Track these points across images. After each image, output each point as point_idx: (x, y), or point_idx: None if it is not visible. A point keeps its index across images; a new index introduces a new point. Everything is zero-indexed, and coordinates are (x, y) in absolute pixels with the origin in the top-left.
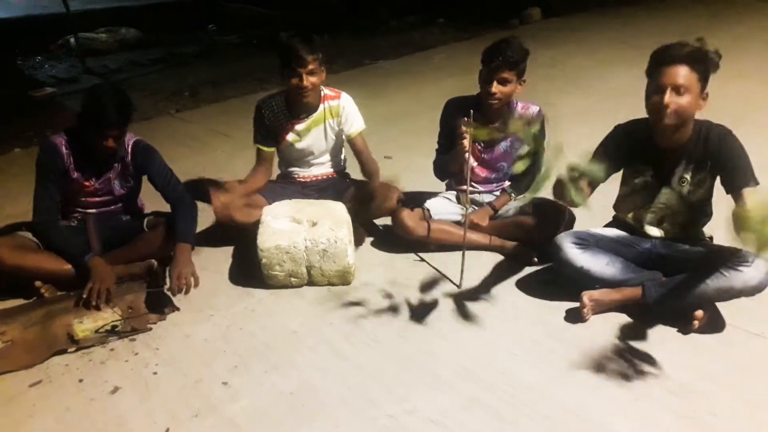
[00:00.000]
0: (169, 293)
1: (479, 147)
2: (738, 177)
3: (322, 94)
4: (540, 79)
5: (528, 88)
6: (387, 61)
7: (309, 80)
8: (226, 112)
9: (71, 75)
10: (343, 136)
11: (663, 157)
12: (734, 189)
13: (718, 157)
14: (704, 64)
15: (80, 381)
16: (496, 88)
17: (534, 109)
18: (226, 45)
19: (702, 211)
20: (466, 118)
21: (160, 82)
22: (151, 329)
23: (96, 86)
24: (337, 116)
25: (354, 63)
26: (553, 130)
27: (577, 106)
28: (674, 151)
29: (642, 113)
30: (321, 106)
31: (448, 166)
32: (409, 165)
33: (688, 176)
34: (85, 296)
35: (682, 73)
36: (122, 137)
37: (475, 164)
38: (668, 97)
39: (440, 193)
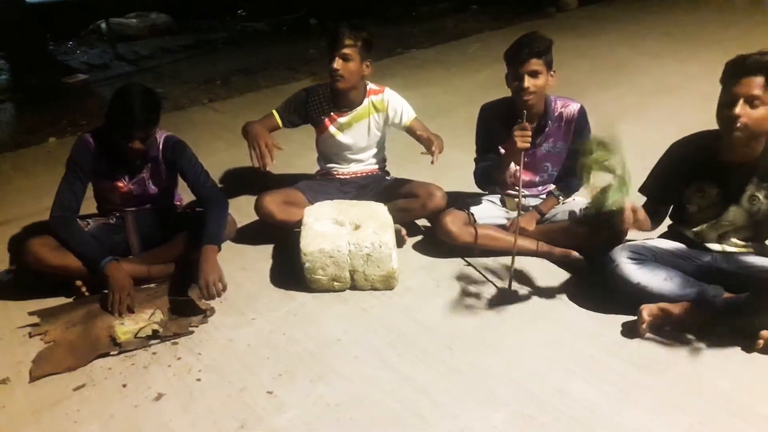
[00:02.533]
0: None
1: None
2: None
3: (367, 89)
4: (579, 72)
5: (566, 81)
6: (420, 50)
7: (341, 63)
8: (259, 102)
9: (103, 61)
10: (401, 128)
11: (729, 173)
12: None
13: None
14: None
15: (124, 386)
16: (528, 81)
17: (575, 106)
18: (255, 32)
19: (765, 226)
20: (519, 120)
21: (192, 70)
22: (192, 332)
23: (123, 86)
24: (383, 110)
25: (386, 52)
26: (597, 125)
27: (620, 103)
28: (742, 167)
29: (690, 111)
30: (365, 101)
31: (496, 174)
32: (447, 162)
33: (760, 195)
34: (110, 309)
35: (757, 83)
36: (149, 139)
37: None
38: (740, 108)
39: (483, 195)
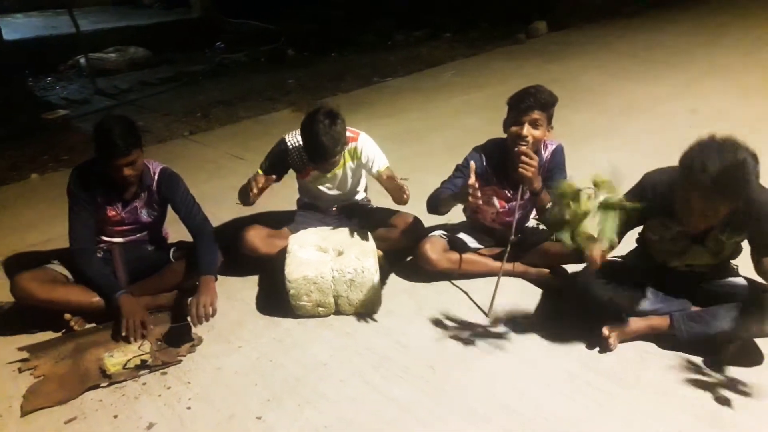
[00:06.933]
0: (190, 323)
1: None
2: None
3: None
4: None
5: None
6: (396, 78)
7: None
8: (239, 134)
9: (83, 96)
10: (371, 174)
11: None
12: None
13: (758, 222)
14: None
15: (115, 417)
16: (527, 131)
17: (554, 144)
18: (233, 63)
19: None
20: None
21: (172, 102)
22: (180, 362)
23: (99, 122)
24: (357, 158)
25: (363, 81)
26: (568, 147)
27: (590, 124)
28: None
29: (657, 131)
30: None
31: (454, 201)
32: (424, 188)
33: (723, 238)
34: (124, 334)
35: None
36: (137, 164)
37: (499, 209)
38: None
39: (460, 222)
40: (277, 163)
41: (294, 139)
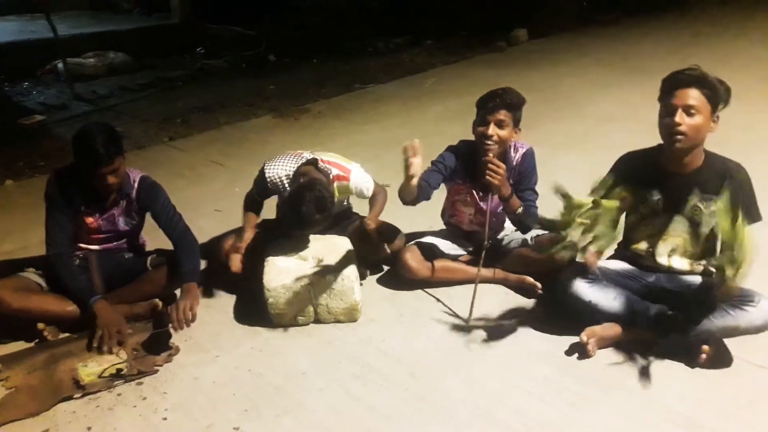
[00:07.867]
0: (171, 331)
1: (479, 195)
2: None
3: (332, 176)
4: (529, 104)
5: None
6: (378, 85)
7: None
8: (219, 140)
9: (60, 101)
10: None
11: (673, 182)
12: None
13: (732, 191)
14: (712, 89)
15: (88, 429)
16: (492, 130)
17: (525, 148)
18: (214, 69)
19: (711, 245)
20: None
21: (151, 108)
22: (157, 371)
23: (80, 129)
24: (349, 193)
25: (345, 87)
26: (548, 155)
27: (568, 132)
28: (685, 177)
29: (635, 138)
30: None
31: (403, 194)
32: None
33: (702, 205)
34: (96, 345)
35: (692, 95)
36: (119, 170)
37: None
38: (678, 117)
39: (440, 229)
40: (261, 189)
41: (273, 173)
